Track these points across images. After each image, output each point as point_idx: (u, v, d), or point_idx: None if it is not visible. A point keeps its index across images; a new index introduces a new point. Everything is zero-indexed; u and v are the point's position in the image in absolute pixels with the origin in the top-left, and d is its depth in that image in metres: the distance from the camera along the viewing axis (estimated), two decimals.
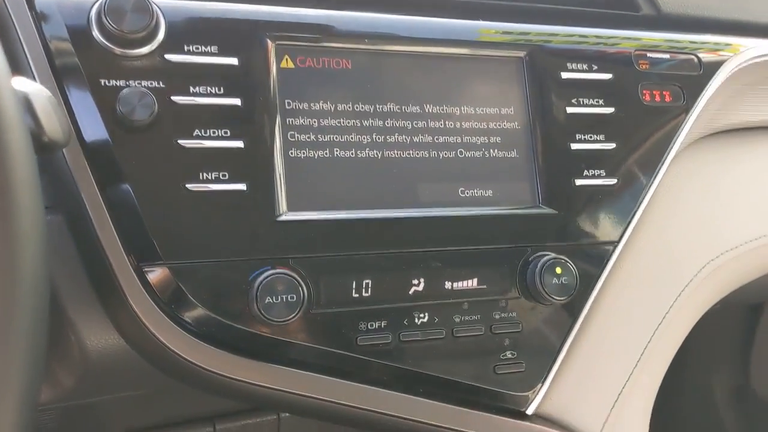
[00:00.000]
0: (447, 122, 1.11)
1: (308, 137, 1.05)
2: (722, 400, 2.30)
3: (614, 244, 1.16)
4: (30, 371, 0.59)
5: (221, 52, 1.00)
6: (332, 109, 1.06)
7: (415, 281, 1.06)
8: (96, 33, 0.95)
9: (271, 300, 0.94)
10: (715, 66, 1.31)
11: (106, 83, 0.94)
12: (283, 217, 1.00)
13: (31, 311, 0.60)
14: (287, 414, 1.56)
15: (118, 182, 0.94)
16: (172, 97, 0.97)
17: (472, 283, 1.08)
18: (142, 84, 0.95)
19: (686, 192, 1.28)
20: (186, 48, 0.99)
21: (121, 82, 0.95)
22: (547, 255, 1.10)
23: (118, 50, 0.95)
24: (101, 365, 1.02)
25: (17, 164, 0.62)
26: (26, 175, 0.62)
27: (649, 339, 1.18)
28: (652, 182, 1.20)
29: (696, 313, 1.26)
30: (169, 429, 1.39)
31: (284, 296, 0.95)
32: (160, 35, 0.98)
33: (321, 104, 1.06)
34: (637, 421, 1.21)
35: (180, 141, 0.96)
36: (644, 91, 1.22)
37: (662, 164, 1.21)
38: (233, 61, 1.01)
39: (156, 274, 0.94)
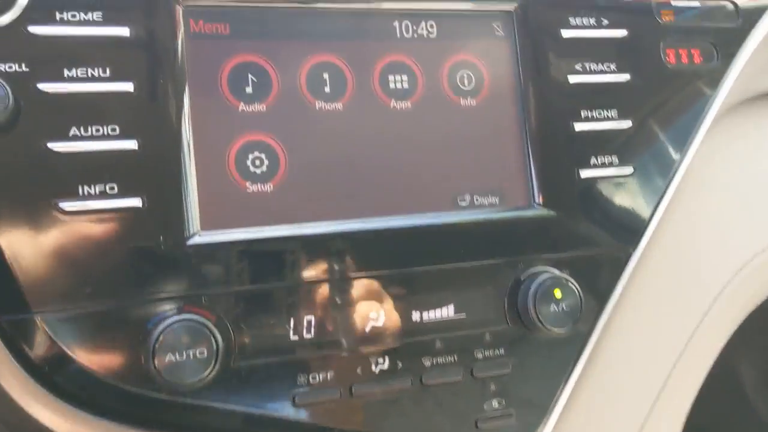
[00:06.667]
0: (405, 102, 0.92)
1: (227, 129, 0.87)
2: (751, 386, 2.19)
3: (628, 253, 0.99)
4: None
5: (108, 19, 0.81)
6: (262, 88, 0.87)
7: (373, 314, 0.89)
8: None
9: (174, 358, 0.76)
10: (756, 14, 1.11)
11: None
12: (196, 239, 0.82)
13: None
14: None
15: None
16: (39, 85, 0.77)
17: (447, 311, 0.91)
18: None
19: (718, 177, 1.10)
20: (59, 16, 0.79)
21: None
22: (544, 272, 0.92)
23: None
24: None
25: None
26: None
27: (668, 373, 1.02)
28: (677, 168, 1.02)
29: (726, 332, 1.10)
30: None
31: (191, 351, 0.77)
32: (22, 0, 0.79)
33: (246, 82, 0.87)
34: None
35: (50, 144, 0.77)
36: (668, 51, 1.03)
37: (689, 145, 1.03)
38: (123, 30, 0.81)
39: (22, 329, 0.76)
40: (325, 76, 0.90)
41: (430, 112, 0.93)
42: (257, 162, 0.87)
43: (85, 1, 0.80)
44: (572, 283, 0.92)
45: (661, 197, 1.00)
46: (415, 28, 0.94)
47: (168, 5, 0.83)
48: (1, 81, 0.74)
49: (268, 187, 0.87)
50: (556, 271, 0.93)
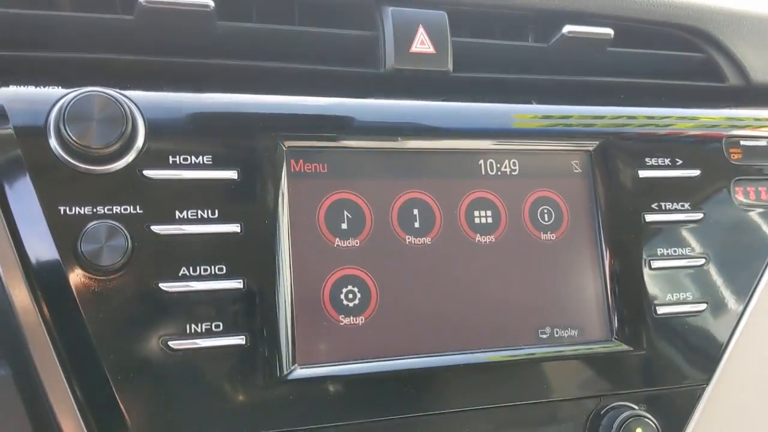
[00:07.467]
0: (489, 236, 0.95)
1: (324, 264, 0.90)
2: None
3: (702, 385, 1.01)
4: None
5: (217, 162, 0.84)
6: (357, 224, 0.90)
7: None
8: (54, 144, 0.79)
9: None
10: None
11: (67, 211, 0.78)
12: (294, 375, 0.84)
13: None
14: None
15: (79, 341, 0.78)
16: (153, 227, 0.81)
17: None
18: (114, 211, 0.80)
19: None
20: (171, 159, 0.83)
21: (86, 210, 0.79)
22: (624, 410, 0.94)
23: (82, 167, 0.80)
24: None
25: None
26: None
27: None
28: (748, 302, 1.04)
29: None
30: None
31: None
32: (138, 143, 0.81)
33: (342, 218, 0.90)
34: None
35: (162, 285, 0.80)
36: (737, 189, 1.06)
37: (759, 279, 1.05)
38: (232, 173, 0.85)
39: None
40: (415, 212, 0.93)
41: (513, 247, 0.96)
42: (350, 296, 0.89)
43: (196, 145, 0.84)
44: (651, 421, 0.93)
45: (733, 331, 1.02)
46: (499, 165, 0.98)
47: (272, 147, 0.87)
48: (120, 225, 0.77)
49: (360, 320, 0.89)
50: (635, 407, 0.95)
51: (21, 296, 0.78)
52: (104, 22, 0.88)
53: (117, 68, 0.89)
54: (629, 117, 1.03)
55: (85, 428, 0.78)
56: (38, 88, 0.82)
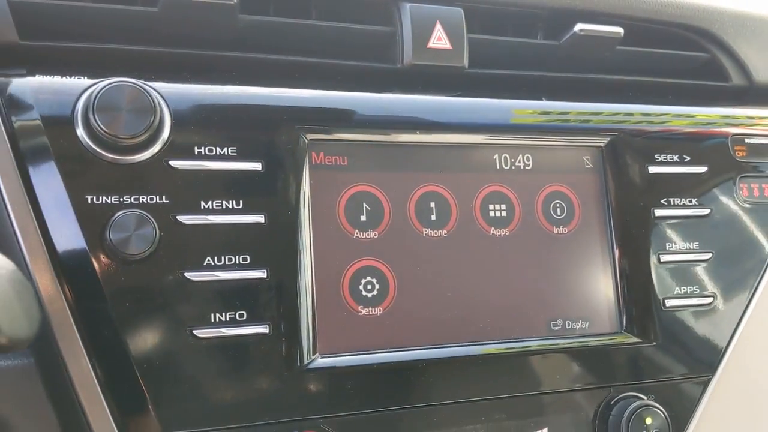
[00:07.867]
0: (503, 229, 0.97)
1: (343, 255, 0.91)
2: None
3: (708, 376, 1.03)
4: None
5: (242, 154, 0.85)
6: (375, 216, 0.91)
7: None
8: (81, 133, 0.80)
9: None
10: None
11: (94, 200, 0.79)
12: (315, 364, 0.85)
13: None
14: None
15: (104, 328, 0.79)
16: (179, 217, 0.81)
17: None
18: (140, 200, 0.81)
19: None
20: (197, 150, 0.84)
21: (113, 199, 0.79)
22: (634, 400, 0.96)
23: (109, 156, 0.80)
24: None
25: None
26: None
27: None
28: (752, 296, 1.06)
29: None
30: None
31: None
32: (164, 134, 0.82)
33: (361, 210, 0.91)
34: None
35: (187, 274, 0.81)
36: (742, 185, 1.09)
37: (763, 273, 1.08)
38: (256, 165, 0.86)
39: None
40: (432, 204, 0.94)
41: (526, 240, 0.97)
42: (369, 286, 0.90)
43: (220, 137, 0.84)
44: (660, 410, 0.95)
45: (738, 323, 1.04)
46: (513, 160, 0.99)
47: (295, 139, 0.88)
48: (148, 214, 0.78)
49: (378, 310, 0.90)
50: (644, 398, 0.97)
51: (47, 284, 0.78)
52: (128, 13, 0.89)
53: (140, 59, 0.89)
54: (638, 114, 1.05)
55: (110, 415, 0.79)
56: (64, 78, 0.83)
